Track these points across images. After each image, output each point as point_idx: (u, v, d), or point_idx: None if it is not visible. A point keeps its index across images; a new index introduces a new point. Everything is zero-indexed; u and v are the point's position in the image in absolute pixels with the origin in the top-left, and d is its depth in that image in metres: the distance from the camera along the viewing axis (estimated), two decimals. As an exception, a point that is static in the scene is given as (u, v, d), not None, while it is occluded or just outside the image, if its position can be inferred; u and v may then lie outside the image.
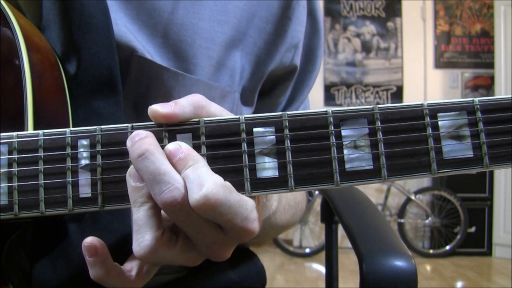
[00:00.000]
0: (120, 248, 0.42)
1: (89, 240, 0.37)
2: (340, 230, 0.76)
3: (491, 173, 4.02)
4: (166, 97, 0.54)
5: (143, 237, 0.36)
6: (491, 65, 4.26)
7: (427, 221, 4.11)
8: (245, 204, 0.36)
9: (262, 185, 0.37)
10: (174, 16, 0.55)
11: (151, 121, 0.38)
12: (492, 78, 4.29)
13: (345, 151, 0.37)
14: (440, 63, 4.42)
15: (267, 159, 0.37)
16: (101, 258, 0.37)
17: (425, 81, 4.41)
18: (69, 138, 0.39)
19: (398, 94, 4.43)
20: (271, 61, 0.61)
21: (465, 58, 4.40)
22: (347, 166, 0.37)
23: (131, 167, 0.37)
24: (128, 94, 0.53)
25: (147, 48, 0.54)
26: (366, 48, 4.45)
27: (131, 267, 0.40)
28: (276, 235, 0.72)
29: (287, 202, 0.62)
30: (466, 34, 4.39)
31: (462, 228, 3.98)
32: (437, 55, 4.42)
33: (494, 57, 4.17)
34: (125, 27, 0.53)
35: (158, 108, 0.37)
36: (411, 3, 4.42)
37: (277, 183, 0.37)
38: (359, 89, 4.45)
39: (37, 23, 0.50)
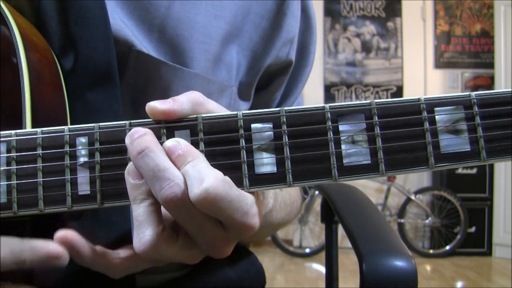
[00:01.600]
0: (120, 242, 0.42)
1: (58, 236, 0.37)
2: (340, 230, 0.76)
3: (491, 173, 4.02)
4: (164, 91, 0.55)
5: (143, 233, 0.36)
6: (491, 65, 4.26)
7: (427, 221, 4.11)
8: (245, 199, 0.36)
9: (260, 181, 0.37)
10: (171, 10, 0.55)
11: (149, 117, 0.38)
12: (492, 78, 4.29)
13: (343, 146, 0.37)
14: (440, 63, 4.42)
15: (265, 154, 0.37)
16: (76, 244, 0.37)
17: (425, 81, 4.41)
18: (68, 136, 0.39)
19: (398, 94, 4.43)
20: (267, 56, 0.61)
21: (465, 58, 4.40)
22: (345, 161, 0.37)
23: (129, 164, 0.37)
24: (126, 88, 0.53)
25: (144, 43, 0.54)
26: (366, 48, 4.45)
27: (120, 251, 0.39)
28: (272, 233, 0.72)
29: (283, 200, 0.62)
30: (466, 34, 4.39)
31: (462, 228, 3.98)
32: (437, 55, 4.42)
33: (494, 57, 4.17)
34: (122, 22, 0.53)
35: (156, 105, 0.37)
36: (411, 3, 4.42)
37: (276, 179, 0.37)
38: (359, 89, 4.45)
39: (35, 20, 0.50)
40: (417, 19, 4.43)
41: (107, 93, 0.49)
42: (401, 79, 4.44)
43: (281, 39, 0.62)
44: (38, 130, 0.39)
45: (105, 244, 0.39)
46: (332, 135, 0.37)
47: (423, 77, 4.42)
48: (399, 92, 4.43)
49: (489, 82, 4.36)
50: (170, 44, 0.55)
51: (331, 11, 4.46)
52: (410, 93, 4.39)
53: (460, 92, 4.36)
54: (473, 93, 0.37)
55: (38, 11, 0.50)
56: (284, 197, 0.63)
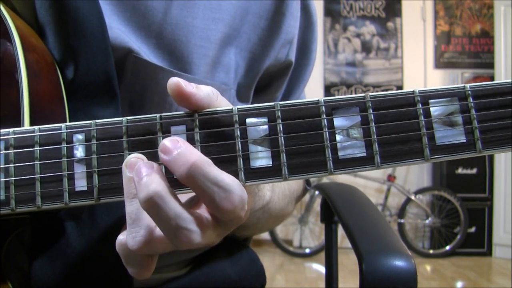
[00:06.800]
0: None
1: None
2: (340, 230, 0.76)
3: (491, 173, 4.02)
4: (162, 97, 0.55)
5: (137, 232, 0.36)
6: (491, 65, 4.26)
7: (427, 221, 4.11)
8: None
9: (256, 175, 0.37)
10: (168, 16, 0.55)
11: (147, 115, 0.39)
12: (492, 78, 4.29)
13: (338, 139, 0.37)
14: (440, 63, 4.42)
15: (260, 148, 0.37)
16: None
17: (425, 81, 4.41)
18: (65, 133, 0.39)
19: (398, 94, 4.42)
20: (266, 57, 0.61)
21: (465, 58, 4.40)
22: (340, 154, 0.37)
23: (128, 157, 0.37)
24: (123, 94, 0.53)
25: (143, 49, 0.54)
26: (366, 48, 4.45)
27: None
28: (272, 226, 0.71)
29: (282, 191, 0.62)
30: (466, 34, 4.39)
31: (462, 228, 3.98)
32: (437, 55, 4.42)
33: (494, 57, 4.17)
34: (119, 30, 0.53)
35: (182, 85, 0.36)
36: (411, 3, 4.42)
37: (271, 172, 0.37)
38: (359, 89, 4.45)
39: (36, 30, 0.50)
40: (417, 19, 4.43)
41: (107, 103, 0.49)
42: (401, 79, 4.44)
43: (280, 40, 0.62)
44: (36, 128, 0.39)
45: (103, 250, 0.39)
46: (327, 128, 0.37)
47: (423, 77, 4.42)
48: (399, 92, 4.42)
49: (489, 82, 4.36)
50: (169, 49, 0.55)
51: (331, 11, 4.46)
52: (410, 93, 4.38)
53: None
54: (468, 85, 0.37)
55: (36, 21, 0.50)
56: (283, 189, 0.63)
